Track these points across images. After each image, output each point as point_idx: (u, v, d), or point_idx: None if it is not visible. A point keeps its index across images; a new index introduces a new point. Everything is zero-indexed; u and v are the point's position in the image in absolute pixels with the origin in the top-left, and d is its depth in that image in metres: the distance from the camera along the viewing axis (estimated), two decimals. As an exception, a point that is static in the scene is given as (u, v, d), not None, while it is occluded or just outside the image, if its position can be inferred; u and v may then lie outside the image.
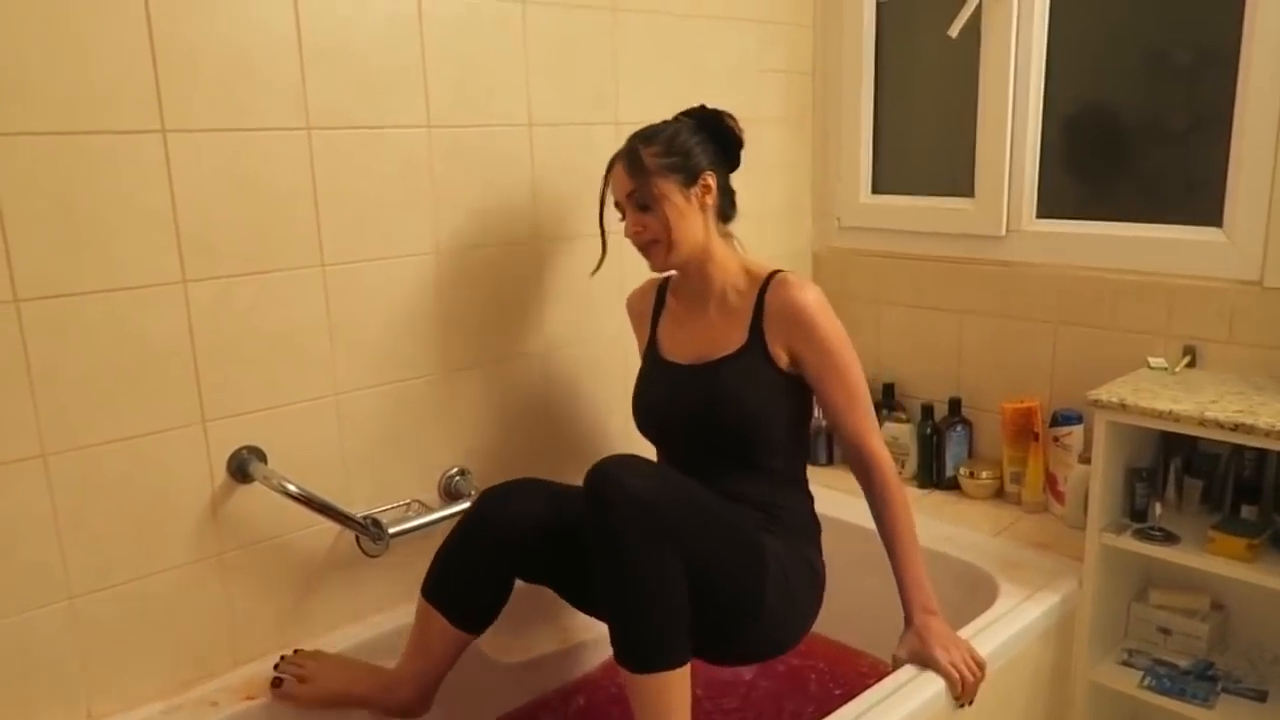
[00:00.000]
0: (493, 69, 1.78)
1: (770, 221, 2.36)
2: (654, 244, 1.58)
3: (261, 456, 1.57)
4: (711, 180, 1.58)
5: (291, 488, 1.54)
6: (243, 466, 1.55)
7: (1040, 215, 2.13)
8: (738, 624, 1.47)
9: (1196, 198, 1.91)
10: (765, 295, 1.58)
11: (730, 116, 1.63)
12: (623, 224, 1.61)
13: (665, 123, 1.62)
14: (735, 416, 1.56)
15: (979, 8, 2.08)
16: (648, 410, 1.68)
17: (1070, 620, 1.76)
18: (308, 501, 1.56)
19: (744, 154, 1.66)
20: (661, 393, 1.66)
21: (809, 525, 1.64)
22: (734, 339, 1.59)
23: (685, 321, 1.68)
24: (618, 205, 1.62)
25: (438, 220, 1.74)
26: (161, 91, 1.39)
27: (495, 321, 1.86)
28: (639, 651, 1.34)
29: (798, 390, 1.59)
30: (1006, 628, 1.62)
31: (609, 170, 1.62)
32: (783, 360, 1.57)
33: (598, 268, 1.73)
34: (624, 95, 1.99)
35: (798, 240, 2.47)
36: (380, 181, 1.65)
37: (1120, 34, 2.03)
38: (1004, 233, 2.15)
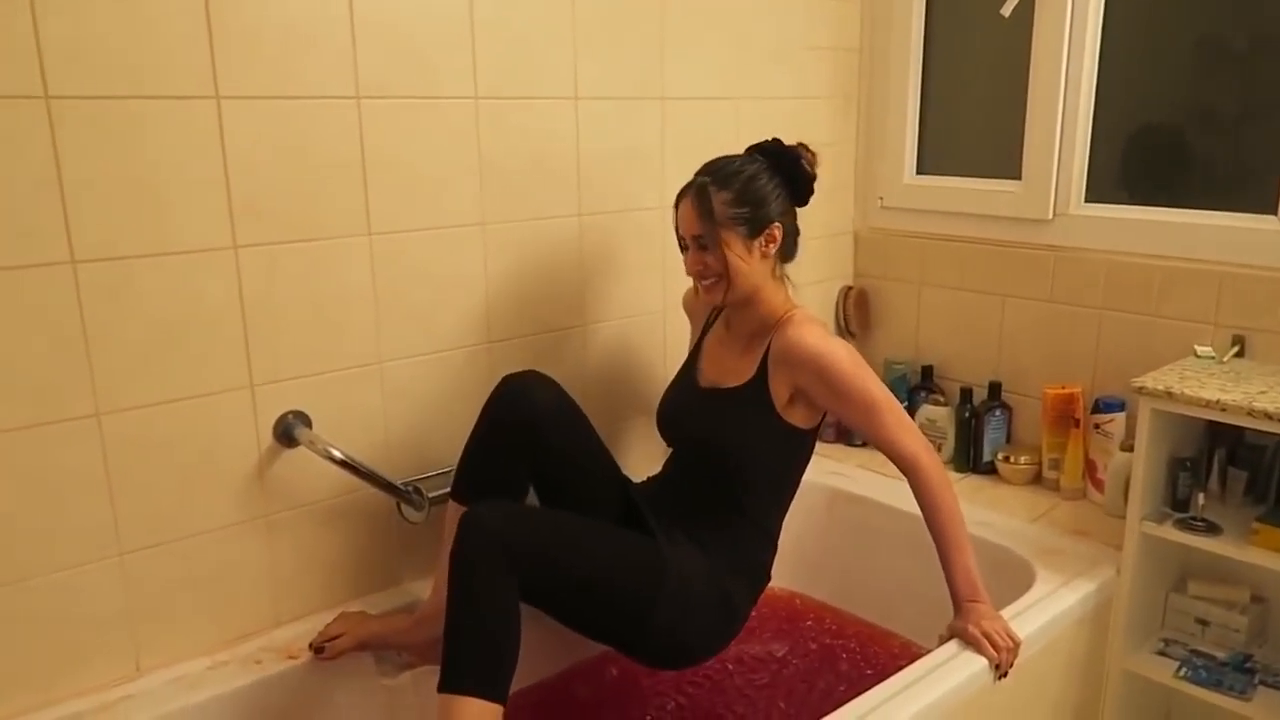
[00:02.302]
0: (540, 42, 1.77)
1: (812, 200, 2.34)
2: (713, 283, 1.59)
3: (307, 421, 1.59)
4: (778, 232, 1.58)
5: (336, 453, 1.57)
6: (288, 431, 1.57)
7: (1089, 199, 2.10)
8: (624, 627, 1.50)
9: (1250, 185, 1.88)
10: (774, 334, 1.59)
11: (806, 154, 1.61)
12: (682, 254, 1.62)
13: (740, 162, 1.59)
14: (717, 447, 1.61)
15: (1033, -14, 2.04)
16: (662, 417, 1.75)
17: (1106, 608, 1.75)
18: (351, 467, 1.58)
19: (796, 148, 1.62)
20: (677, 406, 1.73)
21: (752, 569, 1.64)
22: (743, 373, 1.62)
23: (721, 345, 1.71)
24: (680, 236, 1.62)
25: (483, 192, 1.74)
26: (216, 58, 1.41)
27: (537, 294, 1.87)
28: (447, 668, 1.33)
29: (792, 439, 1.61)
30: (1042, 613, 1.62)
31: (677, 202, 1.61)
32: (782, 400, 1.58)
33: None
34: (670, 70, 1.99)
35: (840, 219, 2.46)
36: (427, 152, 1.66)
37: (1176, 18, 1.99)
38: (1051, 216, 2.12)
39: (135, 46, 1.33)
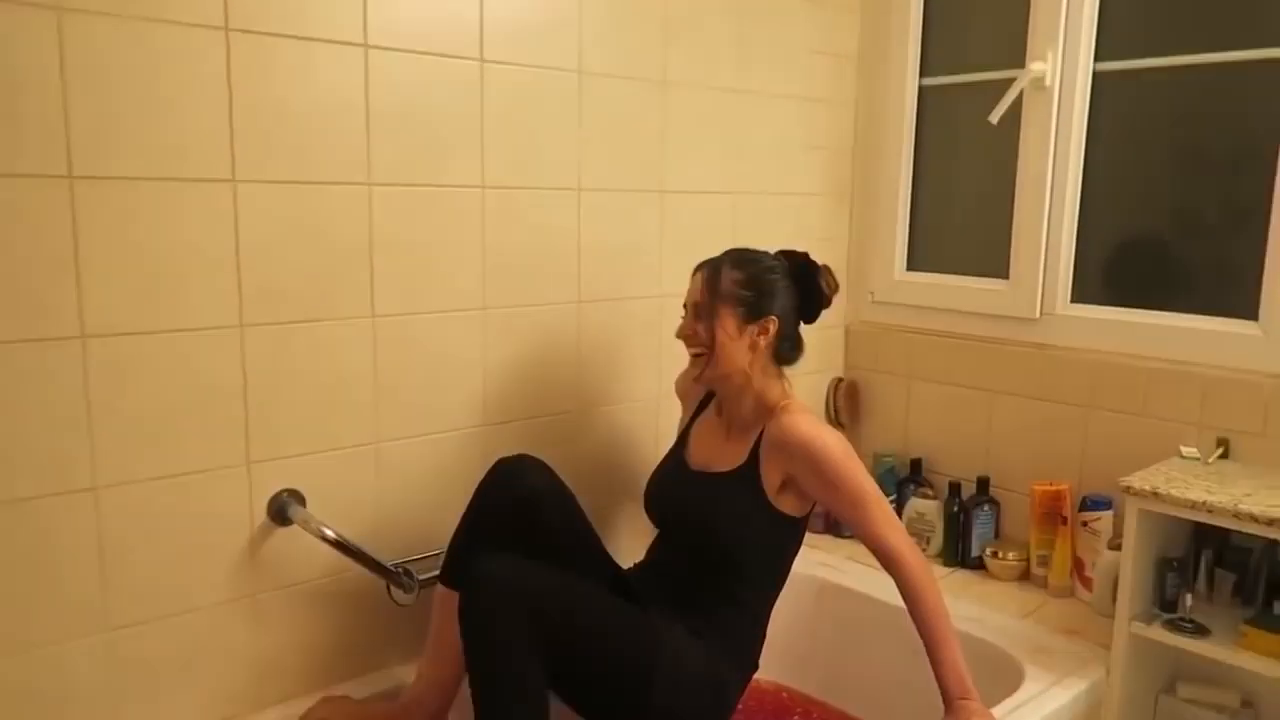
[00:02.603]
0: (547, 134, 1.84)
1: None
2: (698, 354, 1.64)
3: (301, 500, 1.60)
4: (773, 326, 1.62)
5: (328, 532, 1.57)
6: (283, 509, 1.57)
7: (1075, 300, 2.15)
8: (623, 698, 1.49)
9: (1231, 290, 1.94)
10: (768, 422, 1.62)
11: (828, 276, 1.68)
12: (681, 321, 1.68)
13: (763, 254, 1.67)
14: (710, 531, 1.62)
15: (1020, 96, 2.13)
16: (651, 498, 1.76)
17: (1097, 709, 1.74)
18: (343, 547, 1.58)
19: (803, 259, 1.69)
20: (665, 487, 1.74)
21: (741, 656, 1.64)
22: (734, 459, 1.64)
23: (711, 430, 1.74)
24: (686, 303, 1.67)
25: (485, 278, 1.78)
26: (235, 144, 1.45)
27: (534, 379, 1.89)
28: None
29: (782, 526, 1.63)
30: (1033, 713, 1.61)
31: (694, 273, 1.67)
32: (774, 486, 1.60)
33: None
34: (670, 165, 2.05)
35: (832, 312, 2.47)
36: (433, 238, 1.70)
37: (1158, 128, 2.07)
38: (1038, 315, 2.17)
39: (158, 129, 1.38)
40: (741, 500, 1.61)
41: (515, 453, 1.65)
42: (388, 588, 1.68)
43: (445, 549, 1.76)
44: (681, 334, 1.66)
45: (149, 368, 1.42)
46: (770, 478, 1.60)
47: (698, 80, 2.07)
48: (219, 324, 1.48)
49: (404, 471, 1.73)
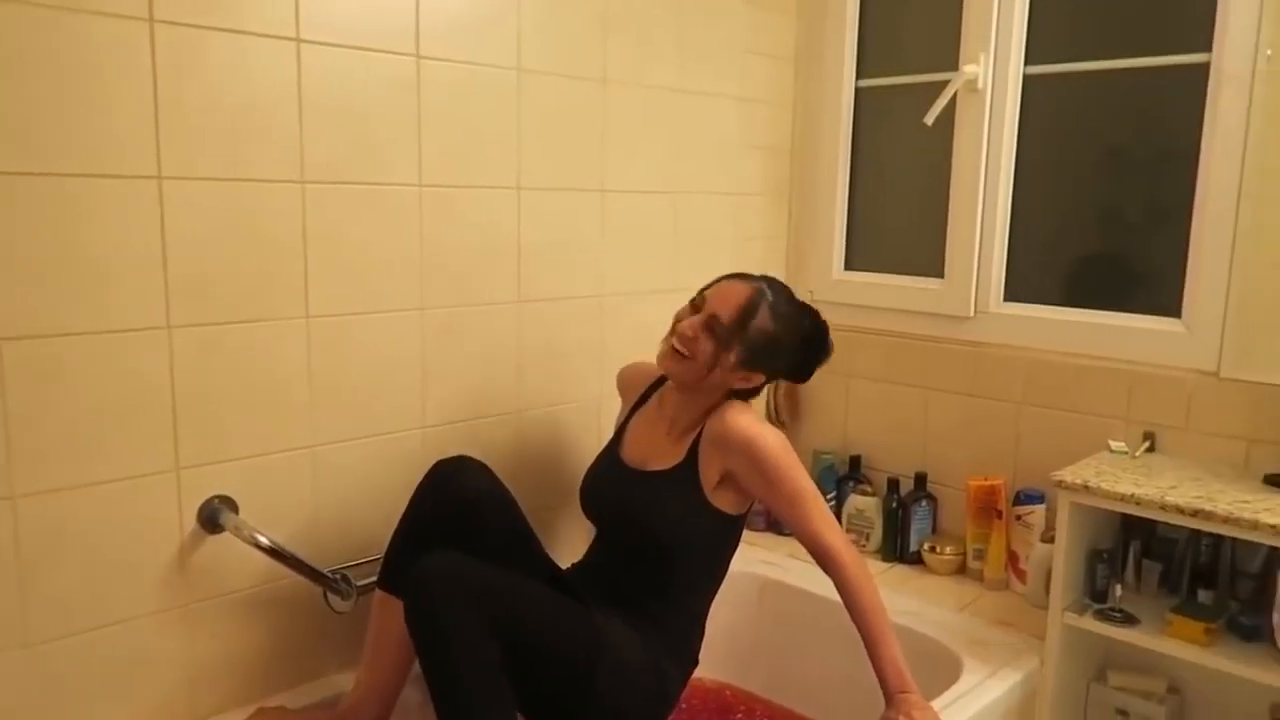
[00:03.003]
0: (486, 133, 1.81)
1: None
2: (684, 358, 1.59)
3: (233, 506, 1.55)
4: (758, 381, 1.63)
5: (262, 539, 1.52)
6: (214, 516, 1.53)
7: (1007, 299, 2.20)
8: (568, 690, 1.48)
9: (1157, 289, 2.00)
10: (708, 421, 1.62)
11: (828, 354, 1.68)
12: (683, 309, 1.63)
13: (799, 308, 1.65)
14: (647, 528, 1.61)
15: (954, 98, 2.17)
16: (586, 496, 1.75)
17: (1032, 699, 1.78)
18: (278, 554, 1.54)
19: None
20: (601, 485, 1.73)
21: (681, 652, 1.65)
22: (672, 457, 1.64)
23: (649, 427, 1.72)
24: (696, 300, 1.62)
25: (423, 277, 1.75)
26: (161, 139, 1.41)
27: (474, 380, 1.87)
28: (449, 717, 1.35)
29: (719, 523, 1.63)
30: (971, 705, 1.64)
31: (725, 281, 1.63)
32: (711, 483, 1.60)
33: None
34: (611, 164, 2.04)
35: (771, 311, 2.52)
36: (370, 236, 1.67)
37: (1085, 131, 2.13)
38: (972, 314, 2.21)
39: (80, 123, 1.33)
40: (678, 498, 1.61)
41: (454, 455, 1.62)
42: (325, 595, 1.65)
43: (384, 554, 1.73)
44: (681, 329, 1.59)
45: (71, 371, 1.37)
46: (708, 474, 1.60)
47: (637, 79, 2.07)
48: (145, 325, 1.43)
49: (341, 475, 1.69)
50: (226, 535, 1.53)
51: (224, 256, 1.50)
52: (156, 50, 1.39)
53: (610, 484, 1.71)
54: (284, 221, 1.56)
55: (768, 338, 1.59)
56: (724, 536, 1.67)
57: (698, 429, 1.63)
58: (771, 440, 1.57)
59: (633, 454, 1.71)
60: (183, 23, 1.40)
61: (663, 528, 1.60)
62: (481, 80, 1.79)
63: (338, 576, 1.62)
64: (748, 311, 1.58)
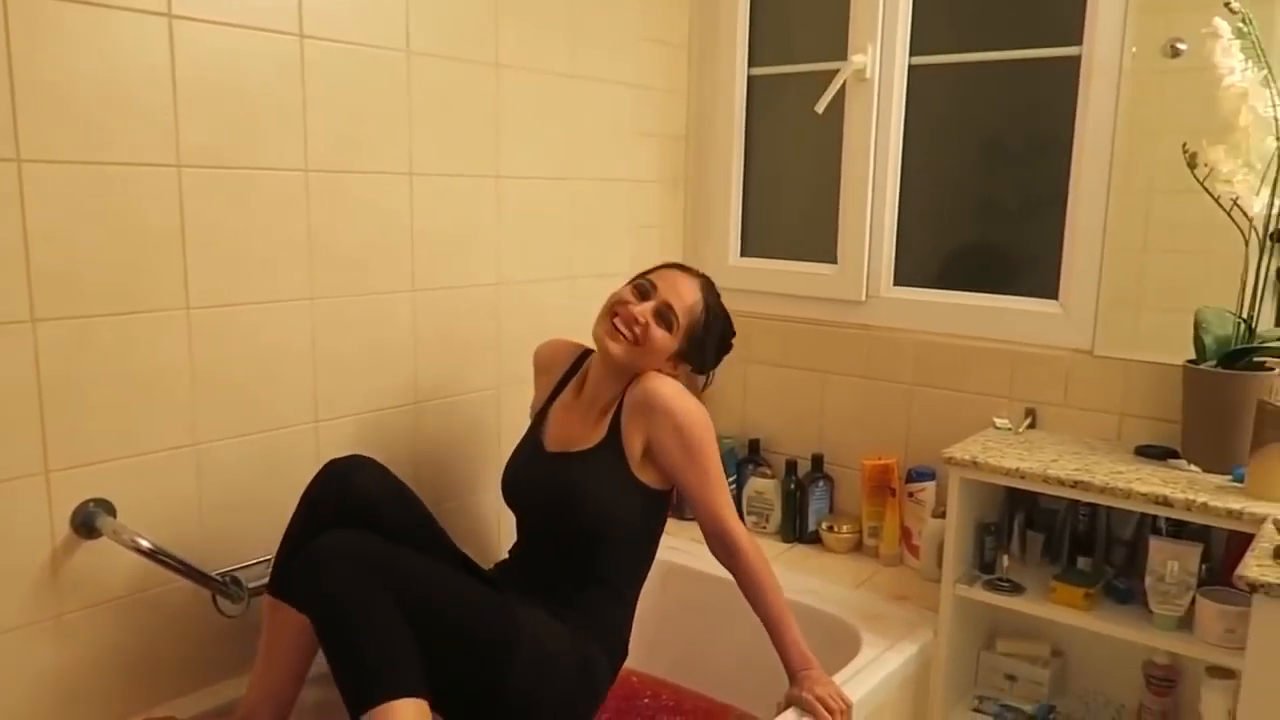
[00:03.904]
0: (375, 117, 1.76)
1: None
2: (632, 343, 1.60)
3: (110, 510, 1.47)
4: (680, 372, 1.69)
5: (143, 543, 1.45)
6: (89, 520, 1.44)
7: (897, 283, 2.26)
8: (477, 688, 1.45)
9: (1034, 272, 2.08)
10: (626, 391, 1.62)
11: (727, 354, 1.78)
12: (626, 293, 1.64)
13: (722, 310, 1.73)
14: (577, 512, 1.59)
15: (843, 88, 2.21)
16: (508, 486, 1.72)
17: (927, 669, 1.84)
18: (160, 558, 1.47)
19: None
20: (523, 473, 1.70)
21: (611, 639, 1.63)
22: (594, 436, 1.63)
23: (568, 410, 1.71)
24: (642, 288, 1.64)
25: (313, 266, 1.69)
26: (19, 120, 1.31)
27: (368, 372, 1.81)
28: (353, 689, 1.28)
29: (649, 500, 1.63)
30: (870, 677, 1.68)
31: (672, 267, 1.69)
32: (635, 456, 1.60)
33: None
34: (505, 150, 2.01)
35: (669, 298, 2.53)
36: (254, 224, 1.60)
37: (968, 118, 2.21)
38: (864, 298, 2.27)
39: (-76, 103, 1.23)
40: (604, 476, 1.59)
41: (347, 454, 1.56)
42: (214, 599, 1.57)
43: (273, 558, 1.67)
44: (634, 317, 1.59)
45: (-78, 369, 1.27)
46: (632, 445, 1.59)
47: (531, 64, 2.04)
48: (6, 319, 1.33)
49: (228, 474, 1.62)
50: (104, 540, 1.45)
51: (93, 244, 1.41)
52: (10, 23, 1.29)
53: (535, 472, 1.68)
54: (159, 207, 1.48)
55: (703, 333, 1.66)
56: (652, 514, 1.66)
57: (617, 403, 1.62)
58: (694, 410, 1.59)
59: (555, 439, 1.68)
60: (41, -6, 1.31)
61: (593, 510, 1.58)
62: (369, 62, 1.73)
63: (227, 579, 1.55)
64: (696, 306, 1.65)
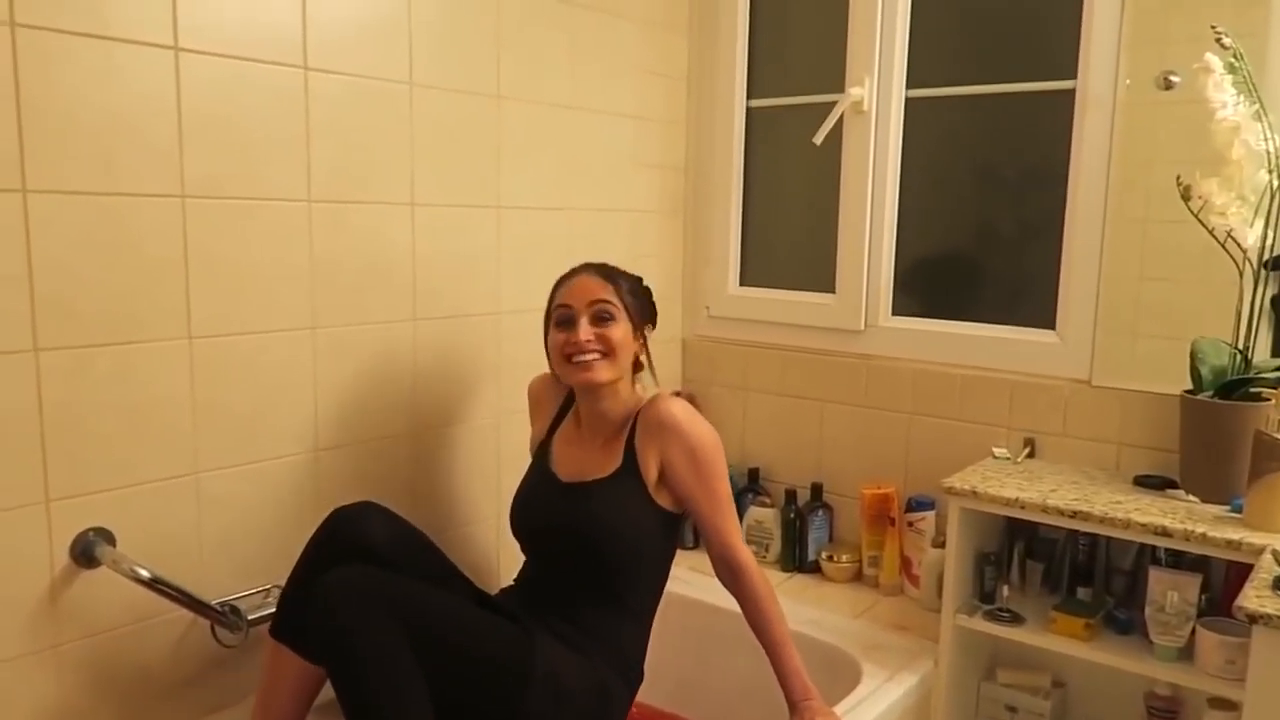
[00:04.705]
0: (377, 147, 1.78)
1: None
2: (598, 358, 1.59)
3: (110, 539, 1.46)
4: (648, 332, 1.67)
5: (142, 573, 1.44)
6: (88, 550, 1.44)
7: (895, 313, 2.27)
8: (495, 708, 1.44)
9: (1033, 302, 2.09)
10: (639, 414, 1.63)
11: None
12: (558, 336, 1.61)
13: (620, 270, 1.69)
14: (599, 540, 1.58)
15: (841, 119, 2.24)
16: (521, 517, 1.70)
17: (927, 699, 1.83)
18: (160, 587, 1.46)
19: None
20: (537, 503, 1.68)
21: (627, 663, 1.62)
22: (609, 463, 1.62)
23: (571, 443, 1.71)
24: (564, 316, 1.61)
25: (314, 295, 1.70)
26: (26, 151, 1.32)
27: (368, 401, 1.82)
28: None
29: (667, 523, 1.63)
30: (871, 709, 1.67)
31: (568, 279, 1.65)
32: (653, 476, 1.59)
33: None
34: (506, 180, 2.03)
35: (669, 327, 2.54)
36: (256, 254, 1.61)
37: (964, 150, 2.23)
38: (862, 327, 2.28)
39: (-68, 135, 1.24)
40: (625, 502, 1.58)
41: (356, 501, 1.54)
42: (212, 629, 1.57)
43: (275, 585, 1.67)
44: (579, 340, 1.57)
45: (-75, 399, 1.27)
46: (648, 468, 1.59)
47: (532, 95, 2.06)
48: (9, 348, 1.34)
49: (228, 503, 1.62)
50: (104, 570, 1.44)
51: (97, 274, 1.42)
52: (19, 56, 1.30)
53: (550, 500, 1.65)
54: (162, 237, 1.49)
55: (634, 292, 1.65)
56: (667, 535, 1.65)
57: (627, 427, 1.62)
58: (707, 432, 1.60)
59: (567, 471, 1.67)
60: (46, 26, 1.33)
61: (614, 537, 1.57)
62: (372, 94, 1.75)
63: (226, 609, 1.55)
64: (609, 275, 1.64)
